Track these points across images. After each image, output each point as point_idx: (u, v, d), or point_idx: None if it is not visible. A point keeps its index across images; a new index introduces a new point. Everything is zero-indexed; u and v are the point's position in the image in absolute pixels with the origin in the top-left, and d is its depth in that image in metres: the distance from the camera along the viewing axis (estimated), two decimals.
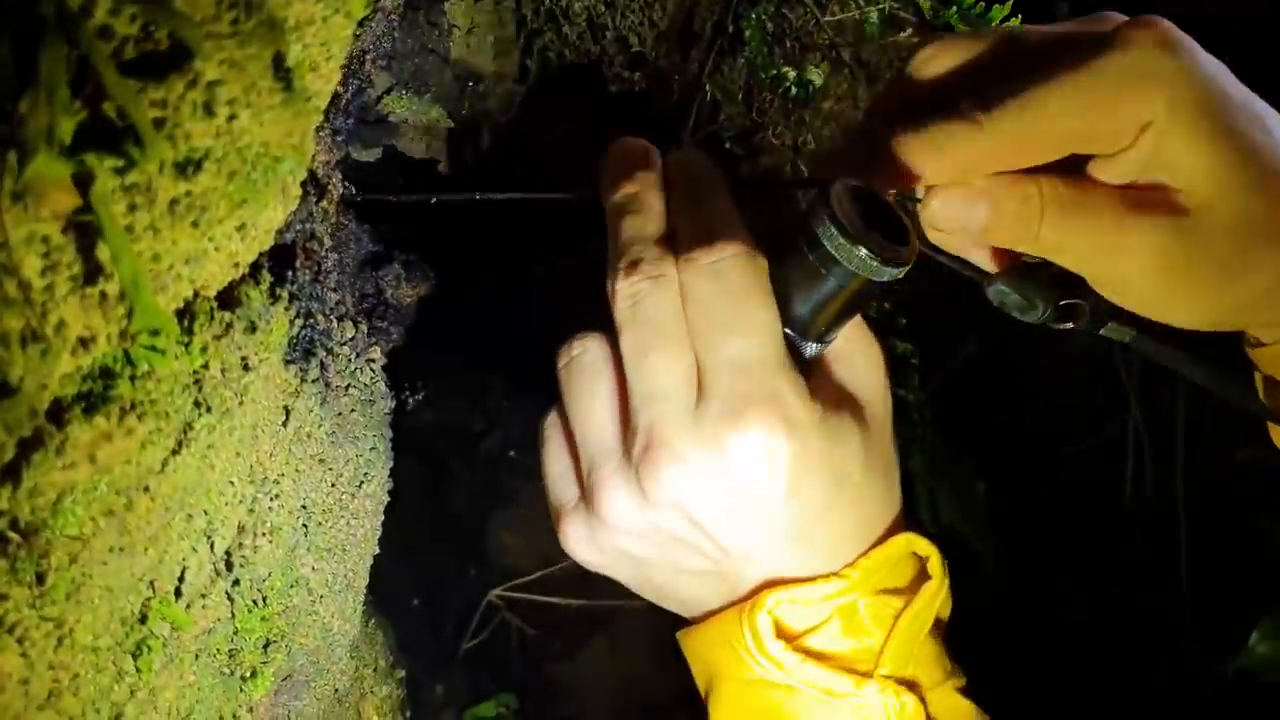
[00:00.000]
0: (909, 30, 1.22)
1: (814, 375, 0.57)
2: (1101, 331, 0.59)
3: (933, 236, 0.56)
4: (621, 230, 0.55)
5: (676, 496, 0.53)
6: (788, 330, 0.55)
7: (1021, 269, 0.57)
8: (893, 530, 0.59)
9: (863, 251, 0.51)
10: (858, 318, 0.58)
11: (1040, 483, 1.38)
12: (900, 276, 0.53)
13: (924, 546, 0.59)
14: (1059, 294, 0.56)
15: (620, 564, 0.61)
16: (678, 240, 0.54)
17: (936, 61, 0.54)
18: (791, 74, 0.96)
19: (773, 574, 0.57)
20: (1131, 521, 1.49)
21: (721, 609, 0.60)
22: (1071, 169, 0.52)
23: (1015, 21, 0.81)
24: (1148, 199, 0.50)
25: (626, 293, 0.53)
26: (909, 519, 0.61)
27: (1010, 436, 1.40)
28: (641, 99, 1.09)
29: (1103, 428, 1.54)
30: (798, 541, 0.56)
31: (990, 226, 0.51)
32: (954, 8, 0.80)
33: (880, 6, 1.08)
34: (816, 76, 0.98)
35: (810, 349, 0.57)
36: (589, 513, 0.57)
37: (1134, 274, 0.51)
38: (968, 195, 0.50)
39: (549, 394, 0.62)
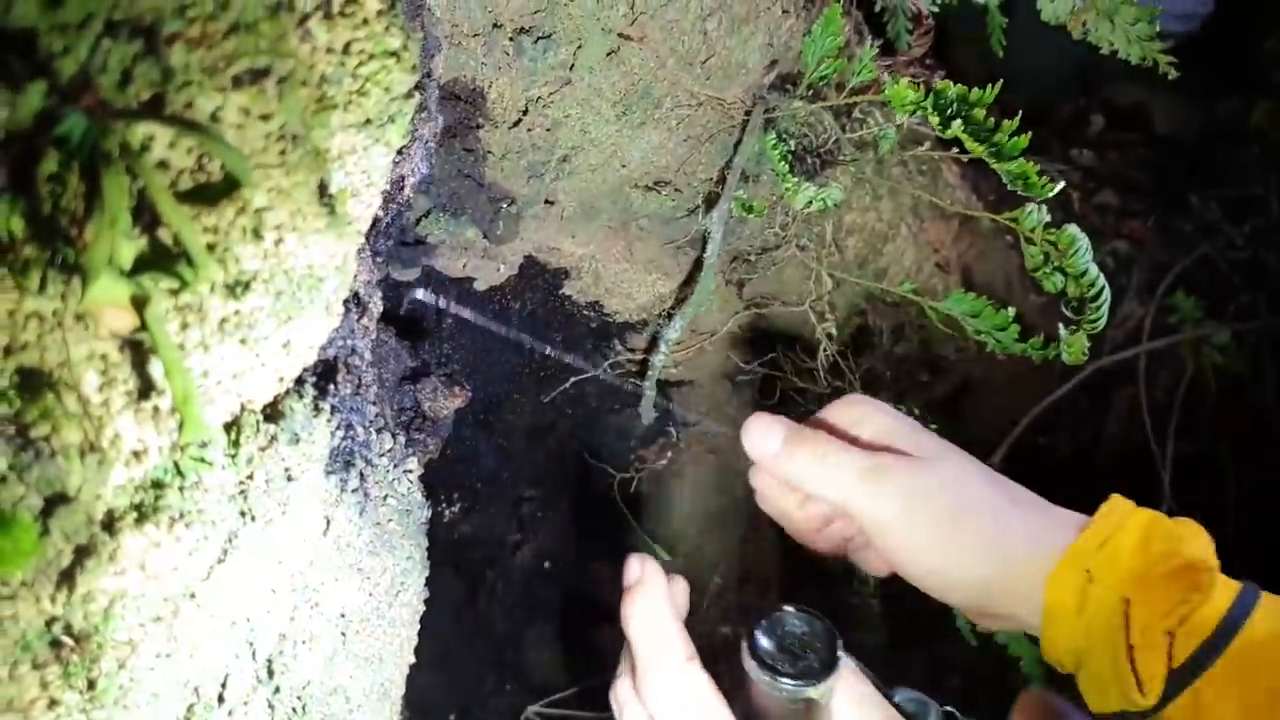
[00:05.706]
0: (927, 144, 1.25)
1: None
2: None
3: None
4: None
5: None
6: None
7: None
8: None
9: (784, 682, 0.58)
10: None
11: None
12: (833, 685, 0.59)
13: None
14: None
15: None
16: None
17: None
18: (812, 189, 0.98)
19: None
20: None
21: None
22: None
23: (1024, 140, 0.84)
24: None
25: None
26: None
27: None
28: (666, 216, 1.12)
29: None
30: None
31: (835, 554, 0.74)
32: (965, 126, 0.83)
33: (898, 124, 1.12)
34: (838, 191, 1.00)
35: None
36: None
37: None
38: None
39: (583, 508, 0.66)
